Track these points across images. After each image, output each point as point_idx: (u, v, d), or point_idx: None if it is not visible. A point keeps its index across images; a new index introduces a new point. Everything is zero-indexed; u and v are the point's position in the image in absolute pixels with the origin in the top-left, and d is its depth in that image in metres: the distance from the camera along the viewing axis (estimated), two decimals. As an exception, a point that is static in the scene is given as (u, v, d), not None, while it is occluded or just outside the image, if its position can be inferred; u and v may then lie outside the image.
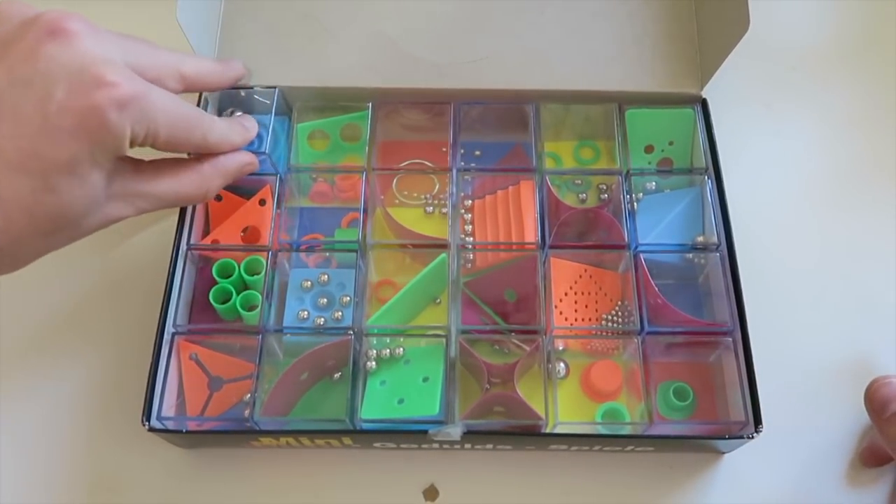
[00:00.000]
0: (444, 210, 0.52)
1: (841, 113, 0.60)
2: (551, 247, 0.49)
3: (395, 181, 0.52)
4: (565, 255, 0.49)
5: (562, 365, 0.48)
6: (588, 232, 0.51)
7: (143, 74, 0.38)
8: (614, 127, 0.52)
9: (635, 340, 0.46)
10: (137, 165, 0.40)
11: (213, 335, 0.48)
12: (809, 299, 0.52)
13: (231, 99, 0.50)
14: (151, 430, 0.43)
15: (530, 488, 0.47)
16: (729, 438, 0.44)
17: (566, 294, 0.49)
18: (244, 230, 0.50)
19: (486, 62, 0.53)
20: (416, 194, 0.53)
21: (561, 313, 0.48)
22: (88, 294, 0.52)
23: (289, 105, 0.53)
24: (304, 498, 0.46)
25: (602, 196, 0.53)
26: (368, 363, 0.46)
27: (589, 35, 0.54)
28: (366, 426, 0.44)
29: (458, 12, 0.54)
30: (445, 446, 0.46)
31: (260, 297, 0.47)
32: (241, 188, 0.51)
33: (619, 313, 0.49)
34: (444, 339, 0.46)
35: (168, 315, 0.46)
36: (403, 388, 0.46)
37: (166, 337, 0.46)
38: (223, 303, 0.48)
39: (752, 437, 0.43)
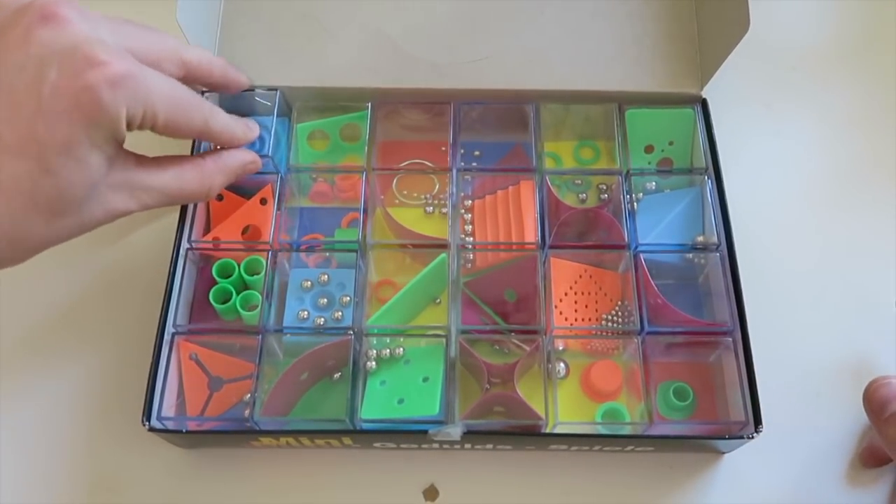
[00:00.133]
0: (444, 210, 0.52)
1: (841, 113, 0.60)
2: (551, 247, 0.49)
3: (395, 181, 0.52)
4: (565, 255, 0.49)
5: (562, 365, 0.48)
6: (588, 232, 0.51)
7: (141, 57, 0.38)
8: (614, 127, 0.52)
9: (635, 340, 0.46)
10: (140, 159, 0.40)
11: (213, 335, 0.48)
12: (809, 299, 0.52)
13: (232, 100, 0.50)
14: (151, 430, 0.43)
15: (530, 488, 0.47)
16: (729, 438, 0.44)
17: (566, 294, 0.49)
18: (245, 229, 0.50)
19: (486, 62, 0.53)
20: (416, 194, 0.53)
21: (561, 313, 0.48)
22: (88, 294, 0.52)
23: (289, 106, 0.53)
24: (304, 498, 0.46)
25: (602, 196, 0.53)
26: (368, 363, 0.46)
27: (589, 35, 0.54)
28: (366, 426, 0.44)
29: (458, 12, 0.54)
30: (445, 446, 0.46)
31: (260, 297, 0.47)
32: (242, 188, 0.51)
33: (619, 313, 0.49)
34: (444, 339, 0.47)
35: (168, 315, 0.46)
36: (403, 388, 0.46)
37: (166, 337, 0.46)
38: (223, 303, 0.48)
39: (752, 437, 0.43)
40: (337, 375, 0.48)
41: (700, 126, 0.52)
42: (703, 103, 0.53)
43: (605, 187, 0.53)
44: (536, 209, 0.50)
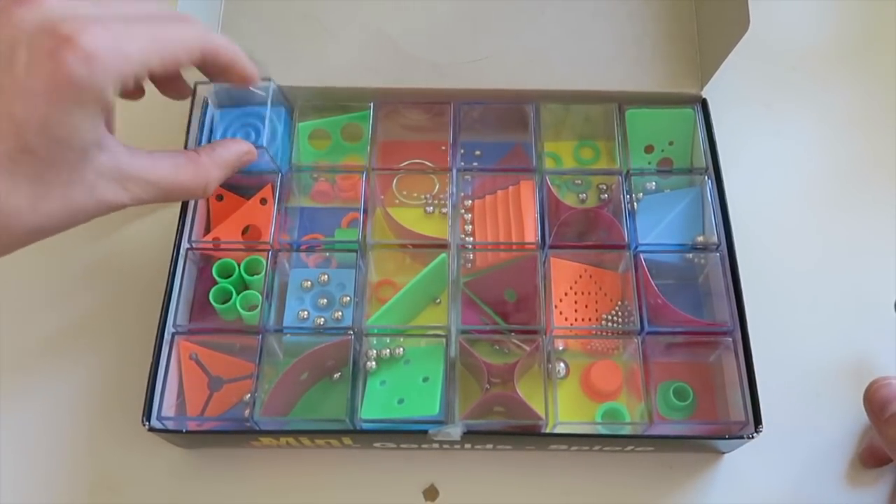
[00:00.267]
0: (444, 210, 0.52)
1: (841, 113, 0.60)
2: (551, 247, 0.49)
3: (395, 181, 0.52)
4: (565, 255, 0.49)
5: (562, 365, 0.48)
6: (588, 232, 0.51)
7: (129, 23, 0.37)
8: (614, 127, 0.52)
9: (635, 340, 0.46)
10: (133, 150, 0.39)
11: (213, 335, 0.48)
12: (809, 299, 0.52)
13: (226, 92, 0.49)
14: (151, 430, 0.43)
15: (530, 488, 0.47)
16: (729, 438, 0.44)
17: (566, 294, 0.49)
18: (245, 229, 0.50)
19: (486, 62, 0.53)
20: (416, 194, 0.53)
21: (561, 313, 0.48)
22: (89, 294, 0.52)
23: (287, 97, 0.53)
24: (304, 498, 0.46)
25: (602, 196, 0.53)
26: (368, 363, 0.46)
27: (589, 35, 0.54)
28: (366, 426, 0.44)
29: (458, 12, 0.54)
30: (445, 446, 0.46)
31: (260, 297, 0.47)
32: (242, 187, 0.51)
33: (619, 313, 0.49)
34: (444, 339, 0.47)
35: (168, 315, 0.46)
36: (403, 388, 0.46)
37: (166, 337, 0.46)
38: (223, 303, 0.48)
39: (752, 437, 0.43)
40: (337, 375, 0.48)
41: (700, 126, 0.52)
42: (703, 103, 0.53)
43: (605, 187, 0.53)
44: (536, 209, 0.50)
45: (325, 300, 0.49)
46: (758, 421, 0.43)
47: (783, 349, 0.50)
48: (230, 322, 0.49)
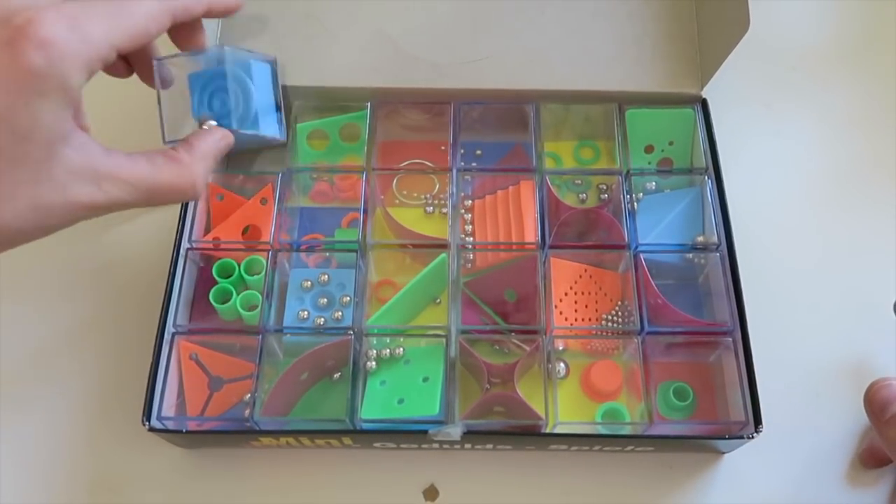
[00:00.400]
0: (444, 210, 0.52)
1: (841, 113, 0.60)
2: (551, 247, 0.49)
3: (395, 181, 0.52)
4: (565, 255, 0.49)
5: (562, 365, 0.48)
6: (588, 232, 0.51)
7: (87, 6, 0.35)
8: (614, 127, 0.52)
9: (635, 340, 0.46)
10: (109, 150, 0.37)
11: (213, 335, 0.48)
12: (809, 299, 0.52)
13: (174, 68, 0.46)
14: (151, 430, 0.43)
15: (530, 488, 0.47)
16: (729, 438, 0.44)
17: (566, 294, 0.49)
18: (245, 229, 0.50)
19: (486, 62, 0.53)
20: (416, 194, 0.53)
21: (561, 313, 0.48)
22: (89, 294, 0.52)
23: (264, 58, 0.49)
24: (304, 498, 0.46)
25: (602, 196, 0.53)
26: (368, 363, 0.46)
27: (589, 35, 0.54)
28: (366, 426, 0.44)
29: (458, 12, 0.54)
30: (445, 446, 0.46)
31: (260, 297, 0.47)
32: (242, 188, 0.51)
33: (619, 313, 0.49)
34: (444, 339, 0.47)
35: (168, 315, 0.46)
36: (403, 388, 0.46)
37: (166, 337, 0.46)
38: (223, 303, 0.48)
39: (752, 437, 0.43)
40: (337, 375, 0.48)
41: (700, 126, 0.52)
42: (703, 103, 0.53)
43: (605, 187, 0.53)
44: (536, 209, 0.50)
45: (325, 300, 0.49)
46: (758, 421, 0.43)
47: (783, 349, 0.50)
48: (230, 322, 0.49)
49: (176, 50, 0.44)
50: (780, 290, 0.52)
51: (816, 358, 0.50)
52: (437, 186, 0.52)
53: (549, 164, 0.54)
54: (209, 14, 0.43)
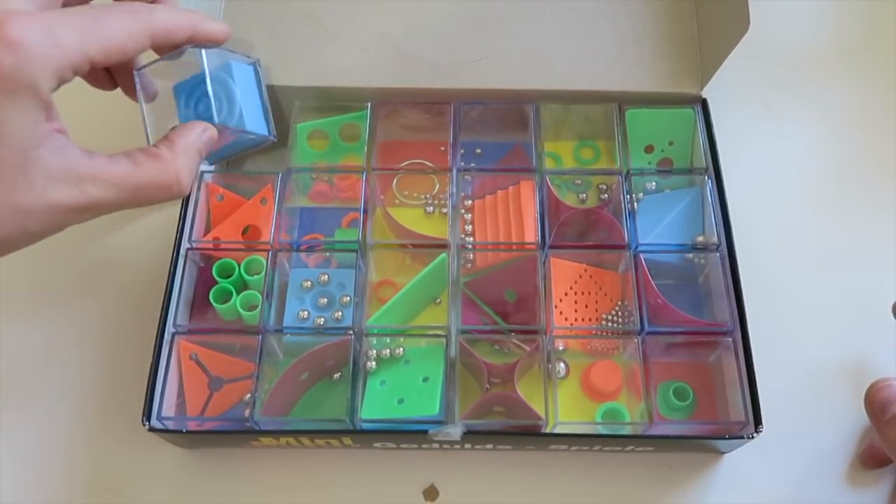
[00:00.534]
0: (444, 210, 0.52)
1: (841, 113, 0.60)
2: (551, 247, 0.49)
3: (395, 181, 0.52)
4: (565, 255, 0.49)
5: (562, 365, 0.48)
6: (588, 232, 0.51)
7: (63, 14, 0.35)
8: (614, 127, 0.52)
9: (635, 340, 0.46)
10: (89, 152, 0.37)
11: (213, 335, 0.48)
12: (809, 299, 0.52)
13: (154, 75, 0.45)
14: (151, 430, 0.43)
15: (530, 488, 0.47)
16: (729, 438, 0.44)
17: (566, 294, 0.49)
18: (245, 229, 0.50)
19: (486, 62, 0.53)
20: (416, 194, 0.53)
21: (561, 313, 0.48)
22: (89, 294, 0.52)
23: (244, 55, 0.48)
24: (304, 498, 0.46)
25: (602, 196, 0.53)
26: (368, 363, 0.46)
27: (589, 35, 0.54)
28: (366, 426, 0.44)
29: (458, 12, 0.54)
30: (445, 446, 0.46)
31: (260, 297, 0.47)
32: (242, 188, 0.51)
33: (619, 313, 0.49)
34: (444, 339, 0.46)
35: (168, 315, 0.46)
36: (403, 388, 0.46)
37: (166, 337, 0.46)
38: (223, 303, 0.48)
39: (752, 437, 0.43)
40: (337, 375, 0.48)
41: (700, 126, 0.52)
42: (703, 103, 0.53)
43: (605, 187, 0.53)
44: (536, 209, 0.50)
45: (325, 300, 0.49)
46: (758, 421, 0.43)
47: (783, 349, 0.50)
48: (230, 322, 0.49)
49: (154, 56, 0.44)
50: (780, 290, 0.52)
51: (816, 358, 0.50)
52: (437, 186, 0.52)
53: (549, 164, 0.54)
54: (192, 41, 0.42)
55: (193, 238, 0.49)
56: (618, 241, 0.49)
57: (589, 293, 0.49)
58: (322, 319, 0.48)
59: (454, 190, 0.52)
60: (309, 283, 0.49)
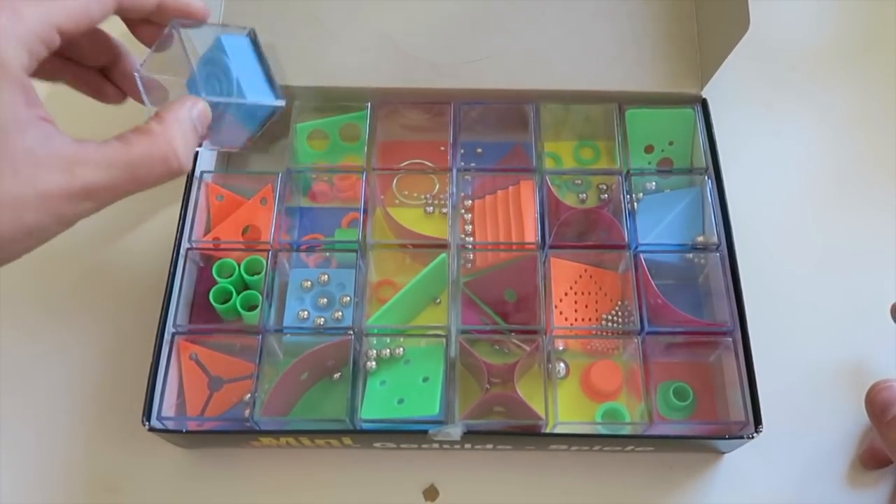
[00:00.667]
0: (444, 210, 0.52)
1: (841, 113, 0.60)
2: (551, 247, 0.49)
3: (395, 181, 0.52)
4: (565, 255, 0.49)
5: (562, 365, 0.48)
6: (588, 232, 0.51)
7: None
8: (614, 127, 0.52)
9: (635, 340, 0.46)
10: (79, 139, 0.35)
11: (213, 335, 0.48)
12: (809, 299, 0.52)
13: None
14: (151, 430, 0.43)
15: (530, 488, 0.47)
16: (729, 438, 0.44)
17: (566, 294, 0.49)
18: (245, 229, 0.50)
19: (486, 62, 0.53)
20: (416, 194, 0.53)
21: (561, 313, 0.48)
22: (89, 294, 0.52)
23: (233, 28, 0.45)
24: (304, 498, 0.46)
25: (602, 196, 0.53)
26: (368, 363, 0.46)
27: (589, 35, 0.54)
28: (366, 426, 0.44)
29: (458, 12, 0.54)
30: (445, 446, 0.46)
31: (260, 297, 0.47)
32: (242, 188, 0.51)
33: (619, 313, 0.49)
34: (444, 339, 0.47)
35: (168, 315, 0.46)
36: (403, 388, 0.46)
37: (166, 337, 0.46)
38: (223, 303, 0.48)
39: (752, 437, 0.43)
40: (337, 375, 0.48)
41: (700, 126, 0.52)
42: (703, 103, 0.53)
43: (605, 187, 0.53)
44: (536, 209, 0.50)
45: (325, 300, 0.49)
46: (758, 421, 0.43)
47: (783, 349, 0.50)
48: (230, 322, 0.49)
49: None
50: (780, 290, 0.52)
51: (816, 358, 0.50)
52: (437, 186, 0.52)
53: (549, 164, 0.54)
54: (163, 8, 0.40)
55: (193, 238, 0.49)
56: (618, 241, 0.49)
57: (589, 293, 0.49)
58: (322, 319, 0.48)
59: (454, 190, 0.52)
60: (309, 283, 0.49)
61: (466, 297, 0.48)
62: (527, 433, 0.45)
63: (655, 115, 0.53)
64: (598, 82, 0.53)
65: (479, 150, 0.55)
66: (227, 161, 0.56)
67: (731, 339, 0.46)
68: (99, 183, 0.34)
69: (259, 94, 0.44)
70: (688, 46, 0.53)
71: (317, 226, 0.52)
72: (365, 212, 0.50)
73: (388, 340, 0.47)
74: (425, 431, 0.43)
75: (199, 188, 0.50)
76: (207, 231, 0.51)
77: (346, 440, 0.45)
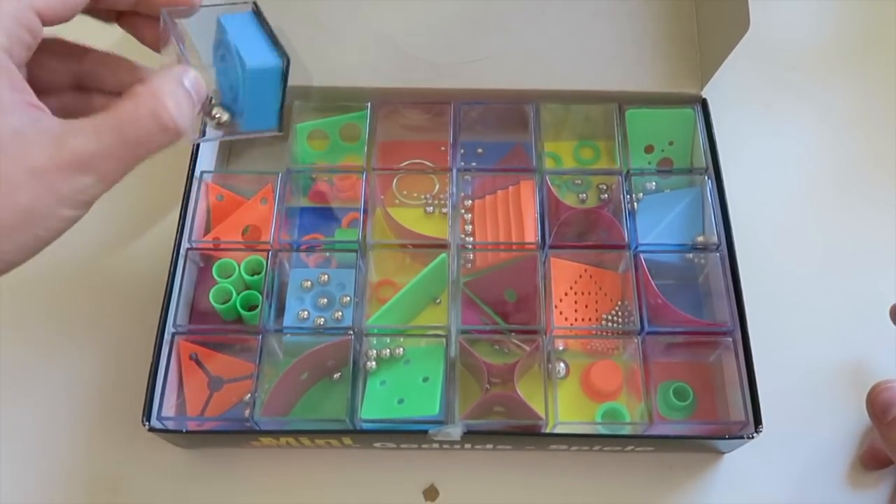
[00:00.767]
0: (444, 210, 0.52)
1: (841, 113, 0.60)
2: (551, 247, 0.49)
3: (395, 181, 0.52)
4: (565, 255, 0.49)
5: (562, 365, 0.48)
6: (588, 232, 0.51)
7: None
8: (614, 127, 0.52)
9: (635, 340, 0.46)
10: (68, 119, 0.34)
11: (213, 335, 0.48)
12: (810, 299, 0.52)
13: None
14: (151, 430, 0.43)
15: (530, 488, 0.47)
16: (729, 438, 0.44)
17: (566, 294, 0.49)
18: (245, 230, 0.50)
19: (486, 62, 0.53)
20: (416, 194, 0.53)
21: (561, 313, 0.48)
22: (89, 294, 0.52)
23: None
24: (304, 498, 0.46)
25: (602, 196, 0.53)
26: (368, 363, 0.46)
27: (589, 35, 0.54)
28: (366, 426, 0.44)
29: (457, 12, 0.54)
30: (445, 446, 0.46)
31: (260, 297, 0.47)
32: (242, 188, 0.51)
33: (619, 313, 0.49)
34: (444, 339, 0.46)
35: (168, 315, 0.46)
36: (403, 388, 0.46)
37: (166, 337, 0.46)
38: (223, 303, 0.48)
39: (752, 437, 0.43)
40: (337, 375, 0.48)
41: (700, 126, 0.52)
42: (703, 103, 0.53)
43: (605, 187, 0.53)
44: (536, 209, 0.50)
45: (325, 300, 0.49)
46: (758, 421, 0.43)
47: (783, 349, 0.50)
48: (230, 322, 0.49)
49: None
50: (780, 290, 0.52)
51: (817, 358, 0.50)
52: (437, 186, 0.52)
53: (549, 164, 0.54)
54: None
55: (193, 238, 0.49)
56: (618, 241, 0.49)
57: (589, 293, 0.49)
58: (322, 319, 0.48)
59: (454, 190, 0.52)
60: (309, 283, 0.49)
61: (466, 297, 0.48)
62: (527, 433, 0.45)
63: (655, 115, 0.53)
64: (598, 82, 0.53)
65: (480, 150, 0.55)
66: (227, 161, 0.56)
67: (731, 339, 0.46)
68: (90, 150, 0.32)
69: (257, 58, 0.42)
70: (688, 46, 0.53)
71: (317, 226, 0.52)
72: (365, 212, 0.50)
73: (388, 340, 0.47)
74: (425, 431, 0.43)
75: (199, 188, 0.50)
76: (207, 231, 0.51)
77: (346, 440, 0.45)
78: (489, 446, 0.46)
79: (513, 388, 0.45)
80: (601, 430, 0.46)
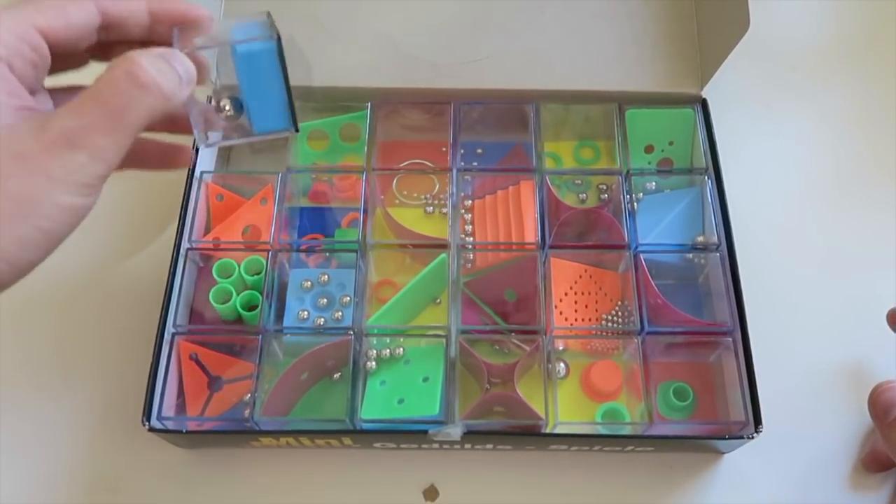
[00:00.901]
0: (444, 210, 0.52)
1: (841, 113, 0.60)
2: (551, 247, 0.49)
3: (395, 181, 0.52)
4: (565, 255, 0.49)
5: (562, 365, 0.48)
6: (588, 232, 0.51)
7: None
8: (614, 127, 0.52)
9: (635, 340, 0.46)
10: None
11: (213, 335, 0.48)
12: (810, 300, 0.52)
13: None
14: (151, 430, 0.43)
15: (530, 488, 0.47)
16: (729, 438, 0.44)
17: (566, 294, 0.49)
18: (245, 229, 0.50)
19: (486, 62, 0.53)
20: (416, 194, 0.53)
21: (561, 313, 0.48)
22: (89, 294, 0.52)
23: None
24: (304, 498, 0.46)
25: (602, 196, 0.53)
26: (368, 363, 0.46)
27: (589, 35, 0.54)
28: (366, 426, 0.44)
29: (457, 12, 0.54)
30: (445, 446, 0.46)
31: (260, 297, 0.47)
32: (242, 188, 0.51)
33: (619, 313, 0.49)
34: (444, 339, 0.46)
35: (168, 315, 0.46)
36: (403, 388, 0.46)
37: (166, 337, 0.46)
38: (223, 303, 0.48)
39: (752, 438, 0.43)
40: (337, 375, 0.48)
41: (700, 126, 0.52)
42: (703, 103, 0.53)
43: (605, 187, 0.53)
44: (536, 209, 0.50)
45: (325, 300, 0.49)
46: (758, 421, 0.43)
47: (783, 349, 0.50)
48: (230, 322, 0.49)
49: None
50: (781, 290, 0.52)
51: (817, 358, 0.50)
52: (437, 186, 0.52)
53: (549, 164, 0.54)
54: (156, 18, 0.37)
55: (193, 238, 0.49)
56: (618, 241, 0.49)
57: (589, 293, 0.49)
58: (322, 319, 0.48)
59: (454, 190, 0.52)
60: (309, 283, 0.49)
61: (466, 297, 0.48)
62: (527, 433, 0.45)
63: (655, 115, 0.53)
64: (598, 82, 0.53)
65: (480, 150, 0.55)
66: (227, 161, 0.56)
67: (731, 339, 0.46)
68: (73, 125, 0.32)
69: (251, 40, 0.42)
70: (688, 46, 0.53)
71: (317, 226, 0.52)
72: (365, 212, 0.50)
73: (388, 340, 0.47)
74: (425, 431, 0.43)
75: (198, 188, 0.50)
76: (207, 231, 0.51)
77: (346, 440, 0.45)
78: (489, 446, 0.46)
79: (513, 389, 0.45)
80: (601, 430, 0.46)
